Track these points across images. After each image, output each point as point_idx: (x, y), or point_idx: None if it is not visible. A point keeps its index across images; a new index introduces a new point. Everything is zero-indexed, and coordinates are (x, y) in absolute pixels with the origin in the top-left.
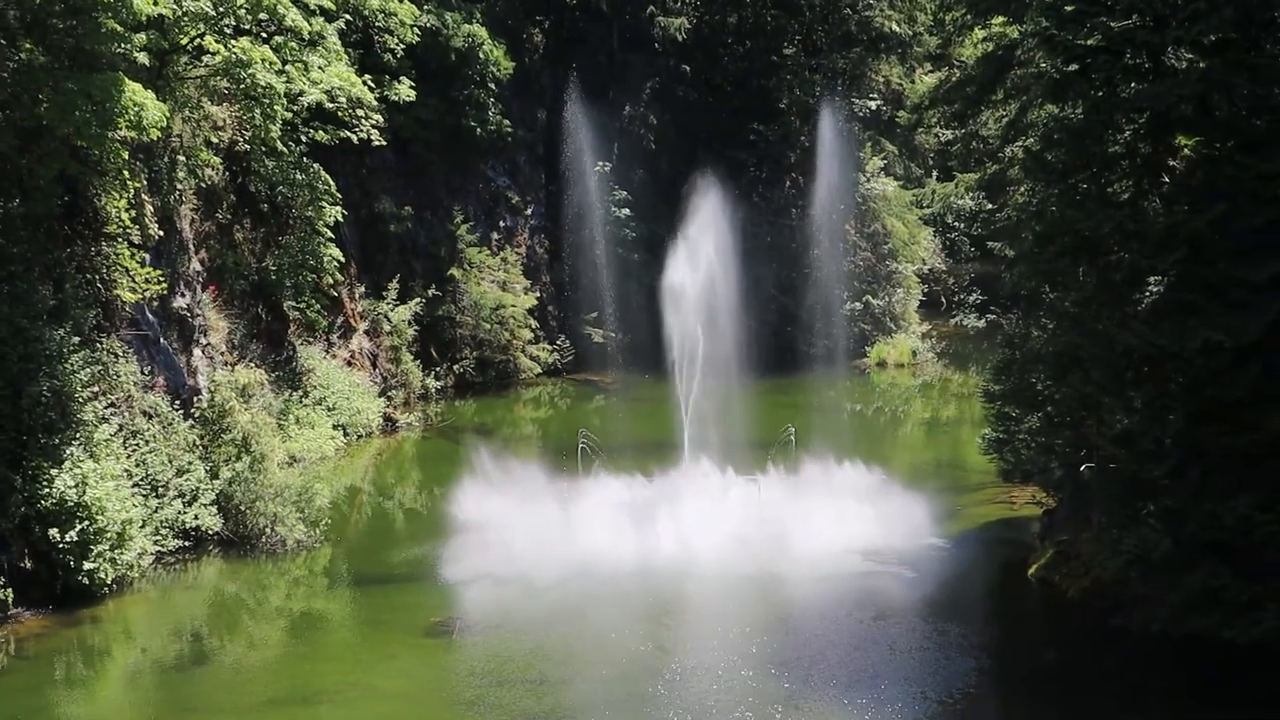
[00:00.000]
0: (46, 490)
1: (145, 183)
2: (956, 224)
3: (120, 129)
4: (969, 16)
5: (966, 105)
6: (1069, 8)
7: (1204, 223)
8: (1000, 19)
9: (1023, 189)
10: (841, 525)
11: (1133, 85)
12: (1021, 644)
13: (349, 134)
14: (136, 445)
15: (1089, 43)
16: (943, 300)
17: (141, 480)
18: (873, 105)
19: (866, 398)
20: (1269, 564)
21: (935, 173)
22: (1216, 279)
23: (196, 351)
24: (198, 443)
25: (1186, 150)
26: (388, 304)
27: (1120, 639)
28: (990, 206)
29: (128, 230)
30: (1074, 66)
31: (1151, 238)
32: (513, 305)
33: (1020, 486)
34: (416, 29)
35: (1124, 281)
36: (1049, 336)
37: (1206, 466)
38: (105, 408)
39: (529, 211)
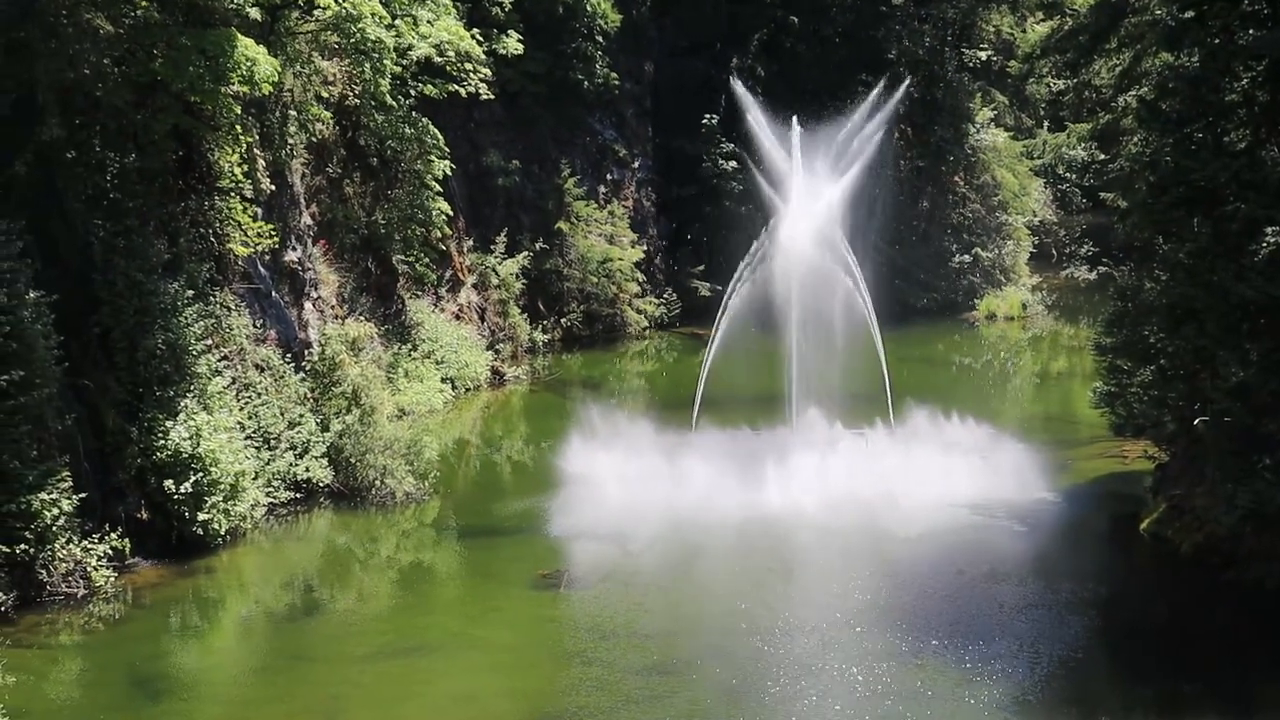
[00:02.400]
0: (162, 442)
1: (257, 137)
2: (1068, 175)
3: (233, 84)
4: None
5: (1079, 54)
6: None
7: None
8: None
9: (1136, 139)
10: (950, 479)
11: (1250, 31)
12: (1133, 600)
13: (457, 88)
14: (249, 398)
15: None
16: (1054, 252)
17: (254, 432)
18: (983, 55)
19: (976, 351)
20: None
21: (1046, 123)
22: None
23: (307, 305)
24: (308, 396)
25: None
26: (495, 258)
27: (1233, 595)
28: (1103, 157)
29: (240, 185)
30: (1190, 13)
31: (1269, 187)
32: (620, 259)
33: (1132, 440)
34: None
35: (1240, 232)
36: (1163, 288)
37: None
38: (219, 360)
39: (636, 164)
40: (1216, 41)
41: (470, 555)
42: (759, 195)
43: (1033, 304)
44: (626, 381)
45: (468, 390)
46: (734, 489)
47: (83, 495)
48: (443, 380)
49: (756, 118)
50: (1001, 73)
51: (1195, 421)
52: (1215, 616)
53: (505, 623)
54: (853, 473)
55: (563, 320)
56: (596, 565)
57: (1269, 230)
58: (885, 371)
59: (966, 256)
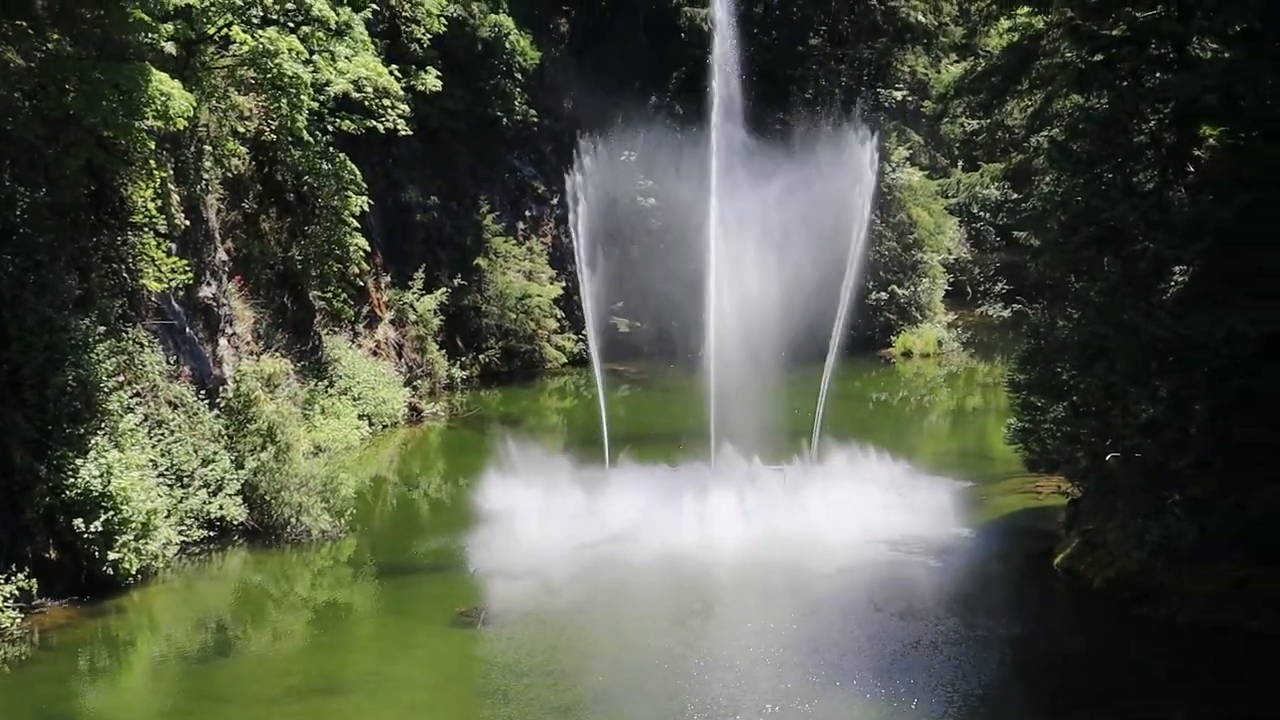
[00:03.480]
0: (71, 480)
1: (171, 172)
2: (982, 214)
3: (147, 119)
4: (994, 7)
5: (992, 95)
6: None
7: (1229, 213)
8: (1025, 9)
9: (1048, 179)
10: (868, 515)
11: (1158, 75)
12: (1047, 635)
13: (375, 124)
14: (162, 435)
15: (1114, 33)
16: (968, 290)
17: (166, 470)
18: (898, 95)
19: (892, 387)
20: None
21: (960, 162)
22: (1242, 269)
23: (222, 341)
24: (223, 432)
25: (1211, 140)
26: (413, 294)
27: (1145, 629)
28: (1015, 196)
29: (154, 220)
30: (1099, 57)
31: (1177, 228)
32: (538, 295)
33: (1046, 476)
34: (443, 19)
35: (1149, 271)
36: (1074, 326)
37: (1232, 456)
38: (131, 397)
39: (555, 201)
40: (1125, 84)
41: (387, 593)
42: (678, 231)
43: (948, 341)
44: (545, 418)
45: (385, 427)
46: (653, 526)
47: None
48: (360, 417)
49: None
50: (917, 112)
51: (1107, 457)
52: (1128, 651)
53: (422, 661)
54: (771, 508)
55: (481, 356)
56: (514, 603)
57: (1177, 269)
58: (817, 406)
59: (883, 294)
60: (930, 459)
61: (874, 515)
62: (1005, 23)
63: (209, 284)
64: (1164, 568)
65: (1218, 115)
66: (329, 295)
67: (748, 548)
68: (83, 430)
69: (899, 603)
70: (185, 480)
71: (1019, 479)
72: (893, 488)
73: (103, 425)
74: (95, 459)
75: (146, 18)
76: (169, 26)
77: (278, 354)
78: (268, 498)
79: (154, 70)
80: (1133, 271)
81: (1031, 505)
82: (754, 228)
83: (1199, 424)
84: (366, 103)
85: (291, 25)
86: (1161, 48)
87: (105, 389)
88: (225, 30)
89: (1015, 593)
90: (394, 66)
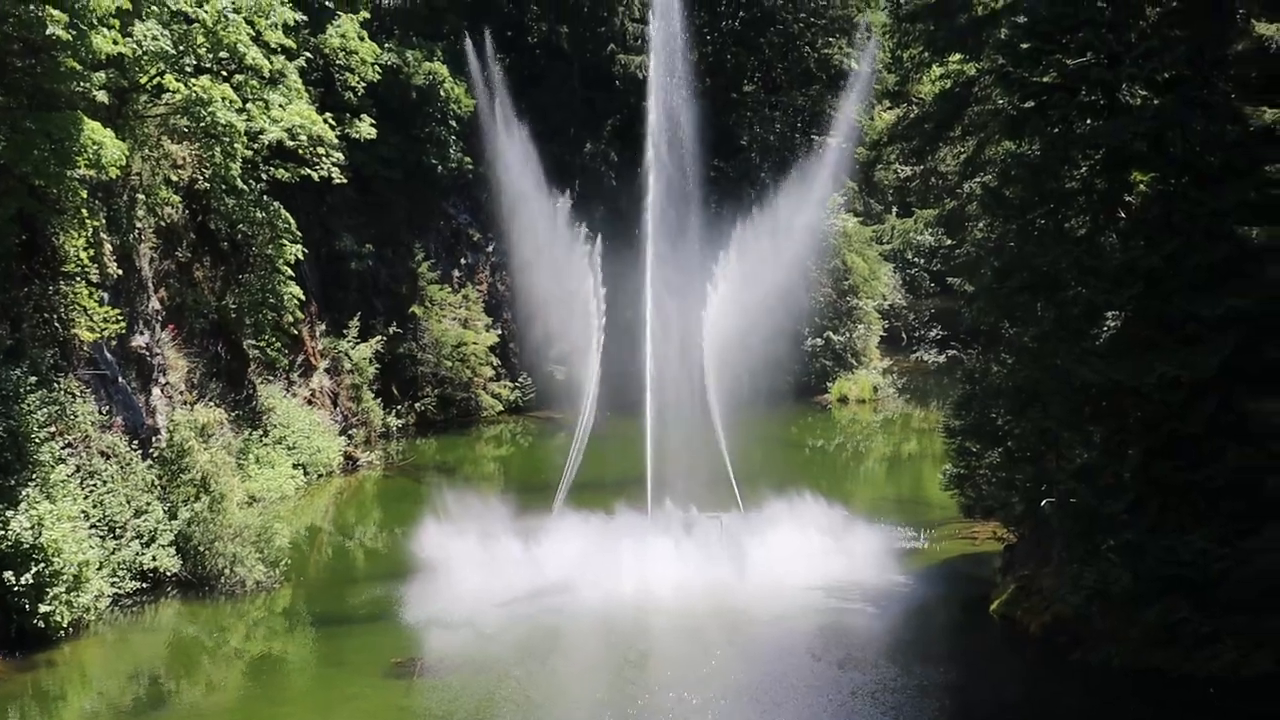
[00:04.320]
0: (2, 532)
1: (104, 221)
2: (916, 259)
3: (79, 167)
4: (926, 54)
5: (925, 141)
6: (1025, 45)
7: (1160, 258)
8: (958, 56)
9: (981, 225)
10: (804, 562)
11: (1088, 122)
12: (984, 682)
13: (310, 172)
14: (94, 486)
15: (1045, 80)
16: (903, 336)
17: (99, 521)
18: (832, 142)
19: (828, 433)
20: (1227, 599)
21: (894, 209)
22: (1173, 314)
23: (155, 390)
24: (156, 483)
25: (1142, 186)
26: (348, 342)
27: (1082, 674)
28: (949, 242)
29: (86, 269)
30: (1030, 103)
31: (1108, 273)
32: (474, 343)
33: (981, 522)
34: (378, 67)
35: (1081, 317)
36: (1008, 371)
37: (1165, 501)
38: (62, 448)
39: (490, 249)
40: (1056, 130)
41: (322, 644)
42: (611, 279)
43: (884, 387)
44: (481, 466)
45: (320, 476)
46: (590, 574)
47: None
48: (295, 466)
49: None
50: (850, 159)
51: (1042, 503)
52: (1065, 696)
53: (357, 712)
54: (708, 557)
55: (417, 405)
56: (450, 653)
57: (1109, 315)
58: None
59: (818, 340)
60: (867, 505)
61: (811, 562)
62: (937, 70)
63: (142, 333)
64: (1099, 612)
65: (1148, 161)
66: (263, 344)
67: (684, 596)
68: (13, 482)
69: (837, 650)
70: (118, 531)
71: (955, 525)
72: (829, 534)
73: (34, 476)
74: (26, 510)
75: (78, 66)
76: (101, 75)
77: (212, 403)
78: (201, 548)
79: (86, 119)
80: (1065, 317)
81: (968, 551)
82: (689, 275)
83: (1132, 469)
84: (301, 151)
85: (225, 74)
86: (1092, 94)
87: (37, 440)
88: (158, 79)
89: (953, 639)
90: (328, 114)
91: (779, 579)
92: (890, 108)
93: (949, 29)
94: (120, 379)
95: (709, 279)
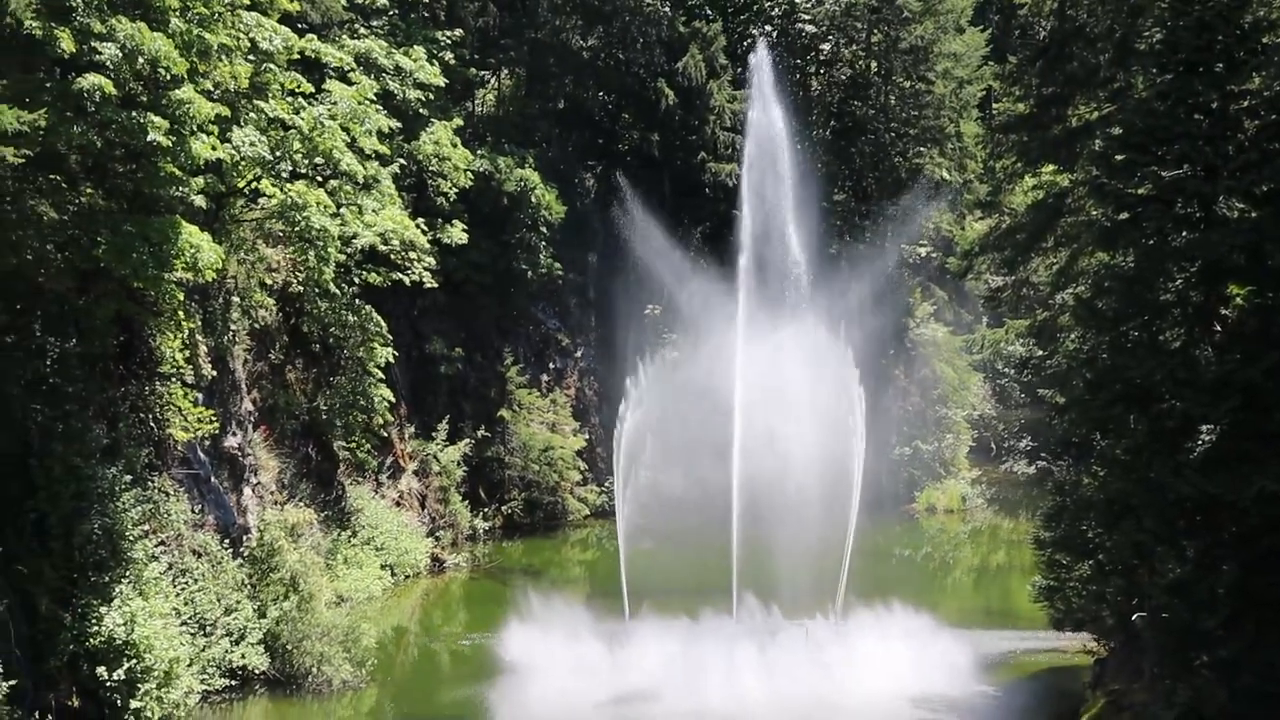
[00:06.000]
0: (95, 628)
1: (200, 323)
2: (1006, 370)
3: (176, 271)
4: (1019, 165)
5: (1017, 252)
6: (1119, 157)
7: (1258, 372)
8: (1050, 167)
9: (1073, 336)
10: (892, 672)
11: (1184, 234)
12: None
13: (401, 276)
14: (185, 583)
15: (1140, 191)
16: (993, 446)
17: (189, 618)
18: (923, 251)
19: (915, 543)
20: None
21: (985, 318)
22: (1271, 428)
23: (247, 490)
24: (246, 581)
25: (1238, 299)
26: (437, 444)
27: None
28: (1040, 353)
29: (181, 370)
30: (1125, 215)
31: (1204, 386)
32: (561, 447)
33: (1071, 634)
34: (470, 173)
35: (1176, 430)
36: (1100, 484)
37: (1262, 617)
38: (155, 546)
39: (579, 354)
40: (1151, 242)
41: None
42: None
43: (972, 497)
44: (567, 570)
45: (407, 577)
46: (674, 682)
47: (13, 683)
48: (382, 567)
49: None
50: (941, 268)
51: (1133, 617)
52: None
53: None
54: (794, 665)
55: (504, 507)
56: None
57: (1204, 428)
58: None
59: (906, 449)
60: (954, 615)
61: (898, 673)
62: (1030, 180)
63: (234, 433)
64: None
65: (1244, 274)
66: (353, 445)
67: (769, 705)
68: (107, 578)
69: None
70: (208, 629)
71: (1044, 637)
72: (917, 644)
73: (127, 574)
74: (119, 607)
75: (177, 171)
76: (199, 180)
77: (301, 503)
78: (290, 647)
79: (184, 223)
80: (1159, 430)
81: (1057, 664)
82: (779, 383)
83: (1227, 583)
84: (393, 255)
85: (320, 179)
86: (1188, 206)
87: (130, 537)
88: (254, 184)
89: None
90: (420, 220)
91: (866, 689)
92: (982, 218)
93: (1042, 140)
94: (213, 478)
95: (796, 387)
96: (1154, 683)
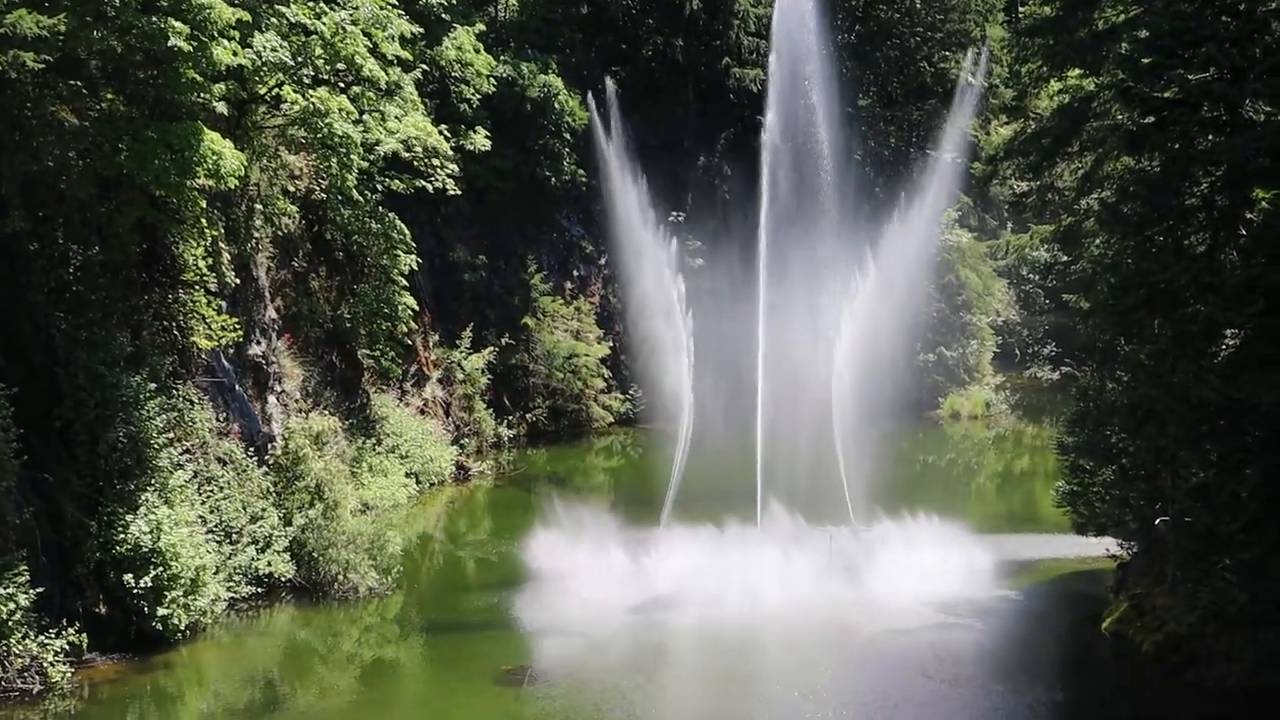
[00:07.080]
0: (122, 536)
1: (222, 231)
2: (1031, 276)
3: (198, 177)
4: (1045, 69)
5: (1042, 157)
6: (1145, 60)
7: None
8: (1076, 71)
9: (1098, 241)
10: (914, 577)
11: (1210, 138)
12: (1096, 702)
13: (424, 183)
14: (211, 492)
15: (1166, 95)
16: (1017, 352)
17: (215, 527)
18: (947, 157)
19: (940, 449)
20: None
21: (1010, 224)
22: None
23: (271, 399)
24: (271, 489)
25: (1264, 203)
26: (461, 352)
27: (1196, 693)
28: (1065, 259)
29: (204, 278)
30: (1151, 119)
31: (1228, 291)
32: (586, 354)
33: (1094, 539)
34: (493, 79)
35: (1200, 334)
36: (1124, 389)
37: None
38: (180, 454)
39: (603, 261)
40: (1177, 147)
41: (433, 650)
42: (727, 291)
43: (996, 403)
44: (592, 477)
45: (432, 485)
46: (698, 587)
47: (40, 590)
48: (407, 475)
49: None
50: (965, 174)
51: (1156, 521)
52: (1178, 716)
53: (470, 718)
54: (817, 571)
55: (528, 415)
56: (560, 662)
57: (1228, 332)
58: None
59: (931, 355)
60: (978, 521)
61: (922, 577)
62: (1056, 85)
63: (258, 342)
64: (1214, 632)
65: (1270, 177)
66: (377, 354)
67: (794, 611)
68: (133, 486)
69: (947, 668)
70: (234, 537)
71: (1067, 542)
72: (940, 550)
73: (153, 482)
74: (145, 515)
75: (199, 78)
76: (221, 86)
77: (326, 412)
78: (315, 554)
79: (206, 129)
80: (1183, 334)
81: (1080, 568)
82: (802, 288)
83: (1250, 487)
84: (416, 162)
85: (342, 85)
86: (1214, 110)
87: (155, 446)
88: (276, 90)
89: (1064, 658)
90: (443, 126)
91: (889, 594)
92: (1007, 123)
93: (1068, 43)
94: (237, 387)
95: (818, 293)
96: (1176, 586)
